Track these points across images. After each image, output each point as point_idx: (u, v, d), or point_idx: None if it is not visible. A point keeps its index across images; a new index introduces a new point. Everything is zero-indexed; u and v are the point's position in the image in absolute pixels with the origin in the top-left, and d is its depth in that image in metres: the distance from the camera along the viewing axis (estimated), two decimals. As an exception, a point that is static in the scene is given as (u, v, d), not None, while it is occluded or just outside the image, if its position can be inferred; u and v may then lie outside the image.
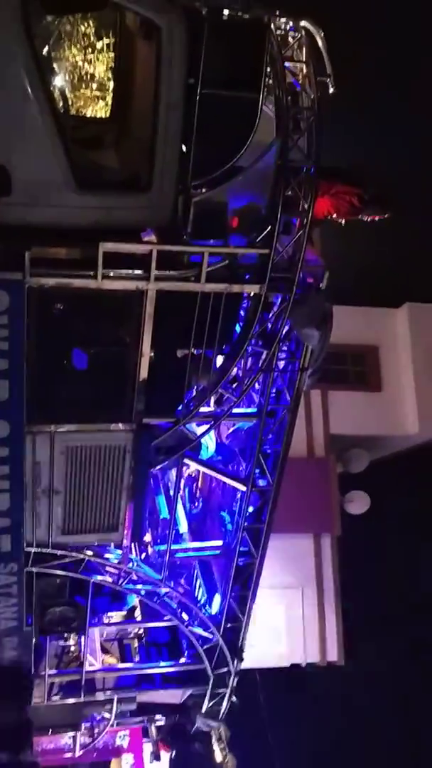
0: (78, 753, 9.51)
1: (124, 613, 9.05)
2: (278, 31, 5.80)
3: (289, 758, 14.59)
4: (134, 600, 8.93)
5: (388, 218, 6.73)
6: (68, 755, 9.85)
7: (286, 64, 5.70)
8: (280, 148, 5.74)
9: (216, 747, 9.39)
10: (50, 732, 9.06)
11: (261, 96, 5.52)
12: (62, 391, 6.46)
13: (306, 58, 5.74)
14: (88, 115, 7.90)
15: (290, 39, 5.76)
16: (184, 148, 5.63)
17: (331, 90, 5.85)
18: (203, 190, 5.73)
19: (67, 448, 6.62)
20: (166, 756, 10.17)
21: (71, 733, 9.22)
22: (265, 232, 6.01)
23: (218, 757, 9.38)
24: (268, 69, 5.64)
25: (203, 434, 7.08)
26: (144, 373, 6.38)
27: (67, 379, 6.46)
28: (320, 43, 5.82)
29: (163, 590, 7.92)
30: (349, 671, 14.14)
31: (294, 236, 6.05)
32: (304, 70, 5.73)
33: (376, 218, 6.68)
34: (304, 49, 5.74)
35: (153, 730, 9.96)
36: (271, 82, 5.75)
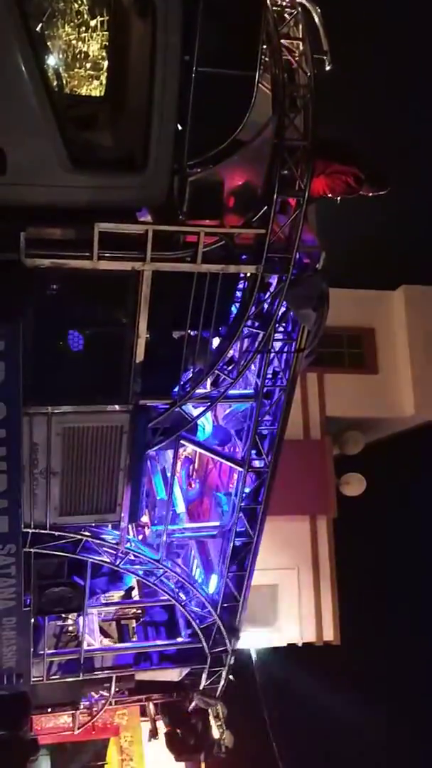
0: (77, 731, 9.63)
1: (122, 593, 9.11)
2: (274, 8, 5.73)
3: (285, 735, 14.78)
4: (132, 580, 8.99)
5: (387, 193, 6.70)
6: (67, 733, 9.99)
7: (283, 41, 5.64)
8: (277, 126, 5.70)
9: (213, 724, 9.51)
10: (49, 710, 9.16)
11: (257, 73, 5.48)
12: (59, 373, 6.45)
13: (302, 35, 5.68)
14: (83, 94, 7.83)
15: (286, 15, 5.70)
16: (179, 126, 5.59)
17: (328, 67, 5.80)
18: (199, 170, 5.70)
19: (64, 429, 6.62)
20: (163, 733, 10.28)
21: (70, 712, 9.33)
22: (262, 212, 5.98)
23: (216, 733, 9.51)
24: (264, 46, 5.59)
25: (200, 415, 7.09)
26: (140, 354, 6.37)
27: (63, 361, 6.45)
28: (317, 19, 5.76)
29: (161, 570, 7.98)
30: (345, 650, 14.29)
31: (290, 216, 6.02)
32: (301, 47, 5.67)
33: (379, 193, 6.64)
34: (300, 25, 5.68)
35: (151, 709, 10.09)
36: (267, 59, 5.70)
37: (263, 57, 5.61)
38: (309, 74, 5.68)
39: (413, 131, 13.27)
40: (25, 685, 8.27)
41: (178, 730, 9.76)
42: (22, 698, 8.06)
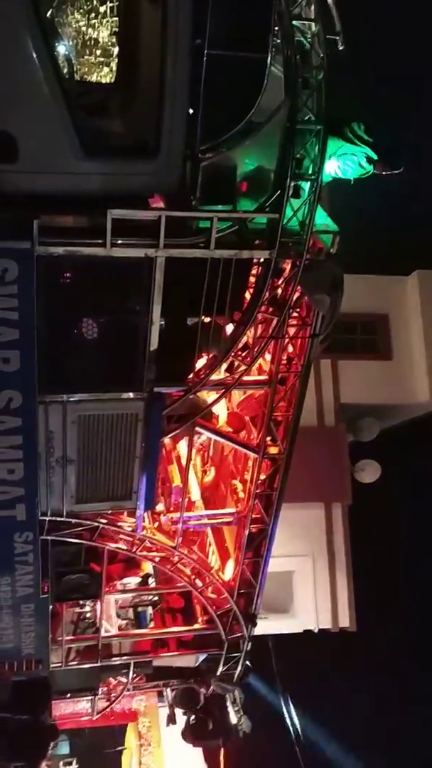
0: (95, 716, 9.72)
1: (138, 579, 9.16)
2: (286, -11, 5.66)
3: (301, 721, 14.86)
4: (149, 567, 9.03)
5: (401, 176, 6.64)
6: (86, 718, 10.09)
7: (294, 22, 5.58)
8: (289, 109, 5.65)
9: (231, 710, 9.57)
10: (68, 696, 9.25)
11: (269, 56, 5.42)
12: (73, 361, 6.47)
13: (315, 16, 5.61)
14: (93, 81, 7.79)
15: (298, -4, 5.63)
16: (191, 111, 5.55)
17: (340, 47, 5.72)
18: (211, 155, 5.66)
19: (79, 417, 6.65)
20: (181, 719, 10.35)
21: (89, 697, 9.41)
22: (275, 197, 5.94)
23: (233, 719, 9.57)
24: (276, 28, 5.53)
25: (214, 402, 7.09)
26: (154, 341, 6.38)
27: (77, 349, 6.46)
28: (329, -1, 5.70)
29: (177, 557, 8.01)
30: (361, 637, 14.30)
31: (304, 200, 5.98)
32: (313, 28, 5.61)
33: (393, 173, 6.58)
34: (312, 6, 5.61)
35: (169, 694, 10.16)
36: (278, 41, 5.64)
37: (275, 39, 5.55)
38: (322, 55, 5.61)
39: (427, 111, 13.10)
40: (44, 671, 8.36)
41: (196, 715, 9.83)
42: (43, 684, 8.15)
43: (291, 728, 14.64)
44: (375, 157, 6.42)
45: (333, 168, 6.48)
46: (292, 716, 14.83)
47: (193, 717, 9.74)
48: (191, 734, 10.03)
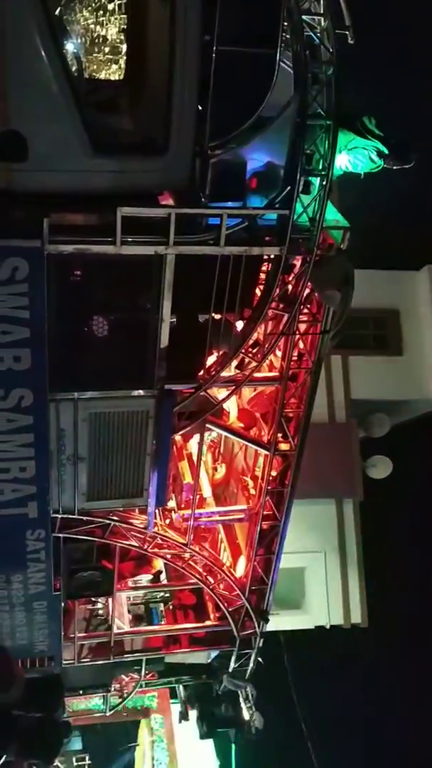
0: (108, 713, 9.76)
1: (150, 576, 9.18)
2: (295, -17, 5.63)
3: (313, 717, 14.86)
4: (160, 564, 9.05)
5: (411, 170, 6.60)
6: (98, 715, 10.13)
7: (304, 17, 5.54)
8: (299, 104, 5.62)
9: (243, 706, 9.58)
10: (81, 693, 9.29)
11: (278, 51, 5.40)
12: (84, 359, 6.48)
13: (324, 11, 5.57)
14: (102, 78, 7.79)
15: (307, -9, 5.59)
16: (200, 108, 5.53)
17: (350, 41, 5.68)
18: (220, 151, 5.64)
19: (90, 414, 6.66)
20: (193, 716, 10.38)
21: (101, 694, 9.45)
22: (285, 193, 5.92)
23: (246, 715, 9.58)
24: (285, 23, 5.50)
25: (225, 399, 7.09)
26: (165, 338, 6.37)
27: (88, 346, 6.47)
28: (338, -6, 5.65)
29: (189, 554, 8.02)
30: (373, 633, 14.27)
31: (314, 196, 5.95)
32: (323, 23, 5.57)
33: (403, 167, 6.54)
34: (321, 1, 5.57)
35: (181, 691, 10.19)
36: (288, 36, 5.61)
37: (284, 34, 5.52)
38: (331, 51, 5.58)
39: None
40: (56, 668, 8.40)
41: (208, 712, 9.85)
42: (56, 681, 8.18)
43: (303, 724, 14.63)
44: (386, 151, 6.38)
45: (344, 162, 6.44)
46: (303, 712, 14.83)
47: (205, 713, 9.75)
48: (203, 730, 10.04)
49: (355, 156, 6.41)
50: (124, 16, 7.55)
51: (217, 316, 6.49)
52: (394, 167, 6.58)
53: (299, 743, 14.69)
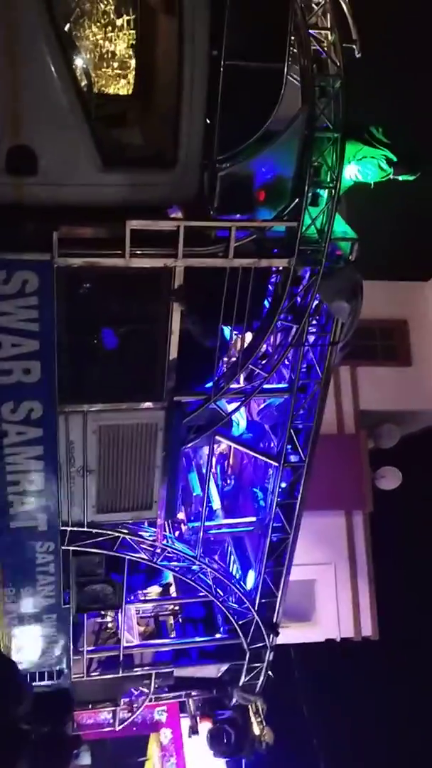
0: (117, 727, 9.70)
1: (159, 589, 9.15)
2: (302, -2, 5.67)
3: (325, 731, 14.72)
4: (169, 576, 9.02)
5: (420, 180, 6.61)
6: (108, 729, 10.06)
7: (311, 31, 5.58)
8: (307, 117, 5.64)
9: (253, 720, 9.50)
10: (90, 707, 9.24)
11: (285, 65, 5.43)
12: (93, 371, 6.50)
13: (330, 25, 5.61)
14: (110, 93, 7.86)
15: (314, 5, 5.63)
16: (208, 121, 5.57)
17: (357, 55, 5.72)
18: (229, 164, 5.67)
19: (99, 427, 6.66)
20: (204, 729, 10.29)
21: (111, 708, 9.40)
22: (293, 205, 5.94)
23: (256, 730, 9.50)
24: (292, 37, 5.54)
25: (234, 411, 7.08)
26: (174, 351, 6.38)
27: (97, 359, 6.49)
28: (345, 8, 5.69)
29: (198, 567, 7.99)
30: (383, 646, 14.16)
31: (322, 208, 5.96)
32: (330, 37, 5.61)
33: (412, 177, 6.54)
34: (328, 15, 5.61)
35: (191, 705, 10.12)
36: (295, 50, 5.64)
37: (291, 48, 5.56)
38: (339, 64, 5.61)
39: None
40: (65, 681, 8.36)
41: (218, 727, 9.76)
42: (65, 695, 8.15)
43: (314, 739, 14.50)
44: (394, 158, 6.39)
45: (353, 172, 6.46)
46: (314, 726, 14.71)
47: (215, 727, 9.68)
48: (213, 745, 9.97)
49: (364, 166, 6.42)
50: (133, 31, 7.62)
51: (227, 328, 6.49)
52: (400, 178, 6.59)
53: (310, 758, 14.55)
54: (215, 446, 7.63)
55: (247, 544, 8.63)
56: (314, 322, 6.70)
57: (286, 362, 6.95)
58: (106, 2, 8.21)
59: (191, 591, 8.68)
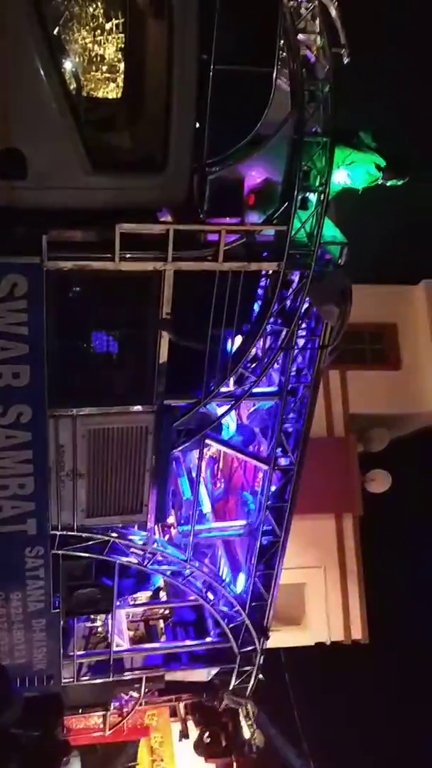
0: (107, 732, 9.66)
1: (149, 593, 9.13)
2: (291, 3, 5.70)
3: (315, 734, 14.72)
4: (160, 580, 9.00)
5: (409, 184, 6.64)
6: (98, 734, 10.02)
7: (300, 35, 5.62)
8: (296, 122, 5.67)
9: (244, 724, 9.50)
10: (80, 711, 9.20)
11: (275, 70, 5.46)
12: (83, 375, 6.48)
13: (319, 29, 5.65)
14: (100, 96, 7.86)
15: (303, 10, 5.67)
16: (198, 125, 5.58)
17: (345, 60, 5.76)
18: (218, 168, 5.69)
19: (89, 431, 6.65)
20: (194, 734, 10.27)
21: (101, 713, 9.36)
22: (282, 208, 5.96)
23: (246, 733, 9.49)
24: (282, 42, 5.57)
25: (224, 414, 7.09)
26: (163, 354, 6.38)
27: (87, 363, 6.48)
28: (333, 13, 5.73)
29: (188, 570, 7.98)
30: (373, 649, 14.18)
31: (311, 212, 5.99)
32: (318, 41, 5.64)
33: (400, 181, 6.58)
34: (317, 19, 5.65)
35: (181, 709, 10.10)
36: (284, 54, 5.67)
37: (281, 52, 5.59)
38: (327, 68, 5.64)
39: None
40: (55, 686, 8.32)
41: (209, 731, 9.75)
42: (55, 699, 8.11)
43: (304, 742, 14.50)
44: (383, 163, 6.43)
45: (342, 177, 6.49)
46: (304, 729, 14.70)
47: (207, 734, 9.66)
48: (203, 749, 9.95)
49: (352, 171, 6.46)
50: (122, 35, 7.64)
51: (216, 332, 6.49)
52: (388, 184, 6.63)
53: (300, 760, 14.53)
54: (205, 450, 7.63)
55: (238, 548, 8.63)
56: (304, 325, 6.73)
57: (276, 366, 6.97)
58: (95, 6, 8.23)
59: (182, 594, 8.67)
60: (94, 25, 8.43)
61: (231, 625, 8.51)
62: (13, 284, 5.72)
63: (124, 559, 7.65)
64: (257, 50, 5.45)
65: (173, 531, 8.00)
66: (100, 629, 8.83)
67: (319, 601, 13.81)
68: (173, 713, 11.36)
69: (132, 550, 7.61)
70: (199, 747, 9.85)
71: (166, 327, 6.14)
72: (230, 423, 7.78)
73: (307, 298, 6.44)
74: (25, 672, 8.07)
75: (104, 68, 8.47)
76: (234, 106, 5.54)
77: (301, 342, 6.82)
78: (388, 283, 14.95)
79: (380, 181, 6.57)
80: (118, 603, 8.12)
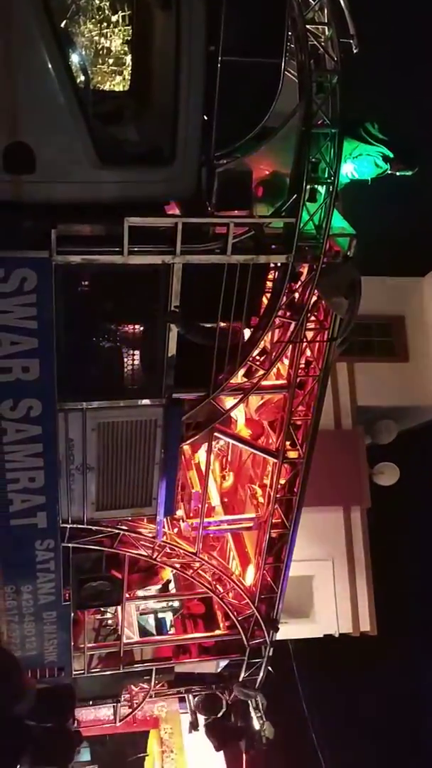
0: (118, 723, 9.73)
1: (159, 586, 9.16)
2: (299, -7, 5.66)
3: (324, 726, 14.77)
4: (169, 573, 9.03)
5: (417, 176, 6.61)
6: (108, 725, 10.09)
7: (308, 26, 5.58)
8: (304, 113, 5.64)
9: (253, 715, 9.54)
10: (91, 703, 9.26)
11: (283, 61, 5.42)
12: (92, 368, 6.50)
13: (328, 20, 5.61)
14: (107, 89, 7.85)
15: (311, 0, 5.62)
16: (206, 118, 5.56)
17: (354, 50, 5.71)
18: (227, 161, 5.67)
19: (98, 424, 6.67)
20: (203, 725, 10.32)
21: (111, 704, 9.42)
22: (291, 201, 5.94)
23: (256, 725, 9.53)
24: (290, 33, 5.53)
25: (233, 407, 7.09)
26: (172, 347, 6.38)
27: (96, 356, 6.49)
28: (342, 3, 5.68)
29: (198, 563, 8.00)
30: (381, 641, 14.19)
31: (320, 204, 5.97)
32: (327, 32, 5.60)
33: (408, 172, 6.54)
34: (325, 10, 5.60)
35: (191, 700, 10.15)
36: (292, 45, 5.64)
37: (289, 43, 5.55)
38: (336, 59, 5.60)
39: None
40: (66, 678, 8.38)
41: (218, 722, 9.79)
42: (68, 690, 8.17)
43: (313, 734, 14.55)
44: (390, 155, 6.39)
45: (349, 170, 6.46)
46: (314, 721, 14.75)
47: (215, 723, 9.70)
48: (214, 740, 10.00)
49: (360, 163, 6.42)
50: (129, 27, 7.63)
51: (225, 325, 6.49)
52: (397, 173, 6.59)
53: (309, 752, 14.59)
54: (214, 442, 7.64)
55: (247, 540, 8.65)
56: (312, 318, 6.71)
57: (285, 359, 6.96)
58: (101, -2, 8.21)
59: (191, 587, 8.70)
60: (101, 18, 8.42)
61: (240, 618, 8.54)
62: (23, 279, 5.72)
63: (134, 551, 7.68)
64: (265, 41, 5.41)
65: (182, 524, 8.02)
66: (110, 621, 8.89)
67: (327, 594, 13.80)
68: (182, 704, 11.42)
69: (141, 542, 7.64)
70: (210, 737, 9.88)
71: (174, 320, 6.14)
72: (239, 416, 7.79)
73: (316, 291, 6.42)
74: (36, 664, 8.13)
75: (111, 61, 8.47)
76: (242, 98, 5.50)
77: (309, 335, 6.81)
78: (397, 275, 14.87)
79: (389, 172, 6.53)
80: (127, 595, 8.16)
